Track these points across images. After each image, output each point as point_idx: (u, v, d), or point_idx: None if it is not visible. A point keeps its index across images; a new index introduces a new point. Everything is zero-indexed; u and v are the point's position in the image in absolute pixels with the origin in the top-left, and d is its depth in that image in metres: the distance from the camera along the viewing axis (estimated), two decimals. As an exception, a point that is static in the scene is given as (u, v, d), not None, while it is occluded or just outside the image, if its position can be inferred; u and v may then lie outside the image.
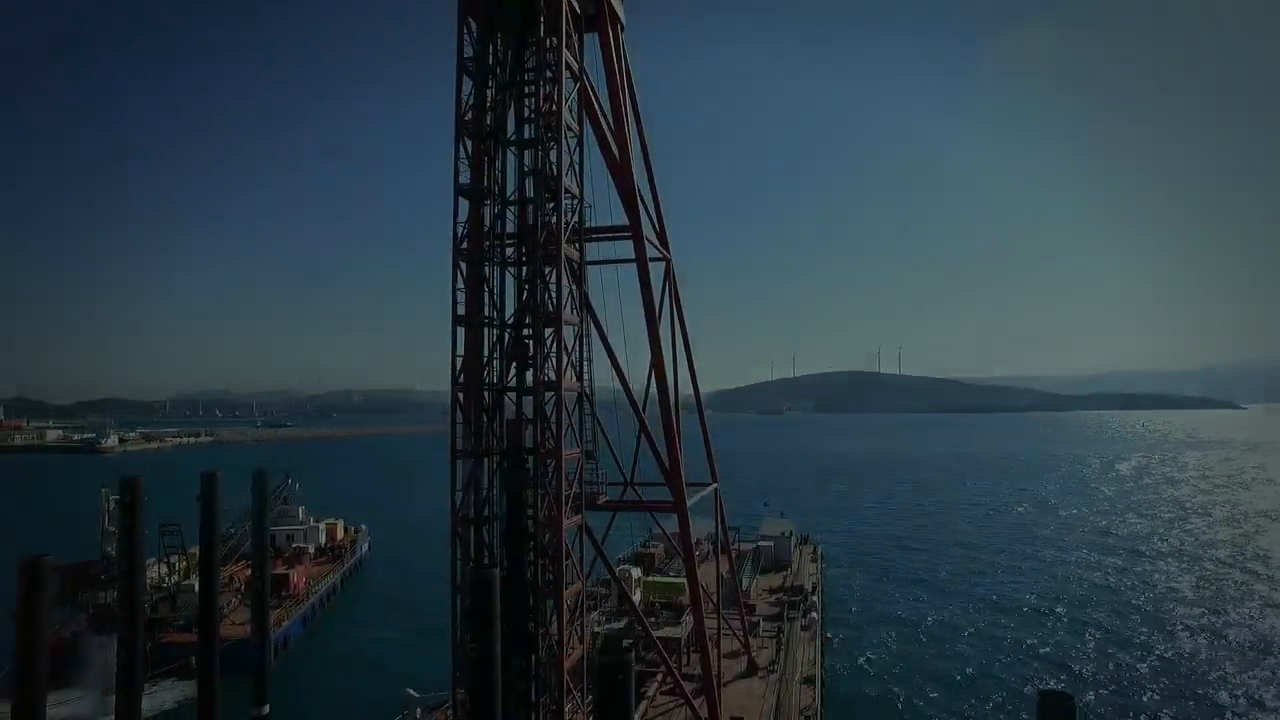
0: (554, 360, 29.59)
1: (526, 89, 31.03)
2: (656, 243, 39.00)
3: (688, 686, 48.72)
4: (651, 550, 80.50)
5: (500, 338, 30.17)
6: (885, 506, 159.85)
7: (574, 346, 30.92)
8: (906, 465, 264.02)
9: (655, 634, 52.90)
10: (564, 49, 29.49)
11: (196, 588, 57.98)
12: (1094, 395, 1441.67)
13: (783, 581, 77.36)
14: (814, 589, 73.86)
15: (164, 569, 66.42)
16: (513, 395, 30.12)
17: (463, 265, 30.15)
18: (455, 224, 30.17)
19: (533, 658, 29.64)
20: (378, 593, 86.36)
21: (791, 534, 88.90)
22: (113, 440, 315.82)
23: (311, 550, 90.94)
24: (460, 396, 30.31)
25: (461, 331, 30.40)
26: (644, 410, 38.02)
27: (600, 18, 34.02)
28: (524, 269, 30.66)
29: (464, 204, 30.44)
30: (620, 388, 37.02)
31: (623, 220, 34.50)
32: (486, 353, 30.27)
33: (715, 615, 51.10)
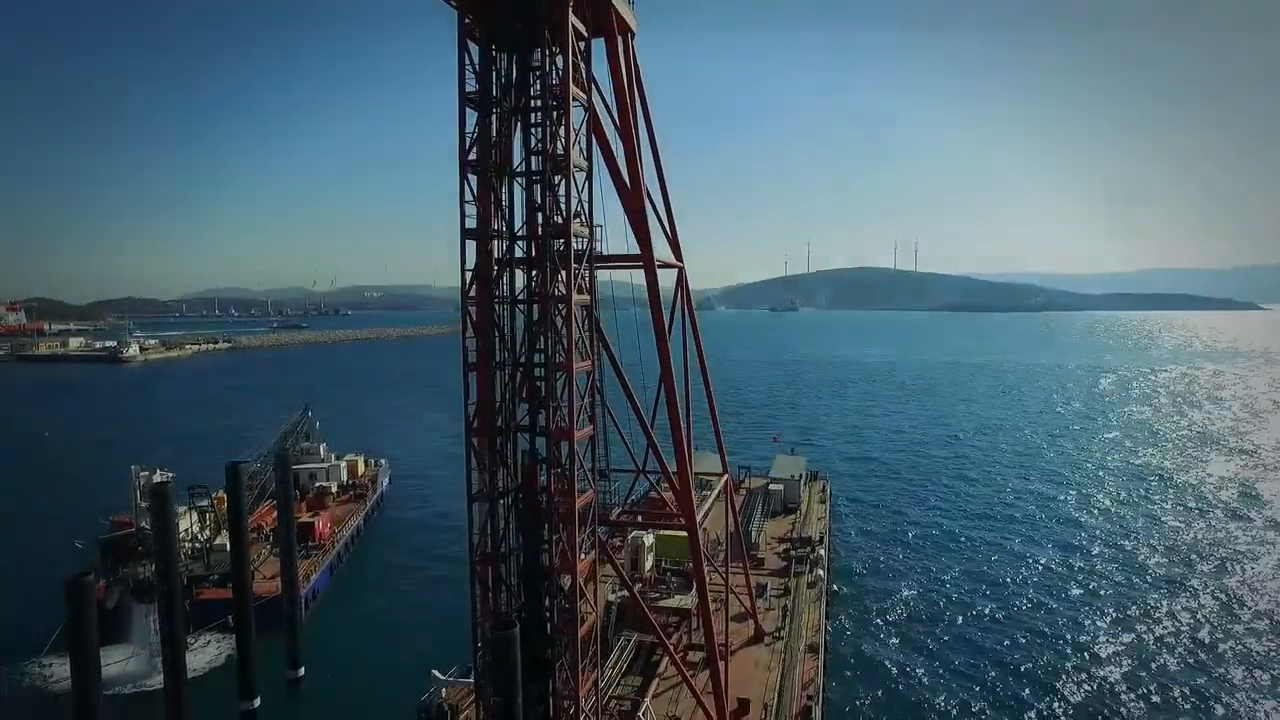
0: (566, 406, 29.70)
1: (533, 117, 29.88)
2: (670, 256, 38.31)
3: (697, 656, 51.49)
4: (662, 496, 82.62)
5: (509, 249, 29.72)
6: (891, 428, 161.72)
7: (586, 389, 30.96)
8: (913, 377, 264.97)
9: (666, 604, 55.58)
10: (569, 81, 28.11)
11: (227, 546, 61.08)
12: (1114, 295, 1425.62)
13: (791, 528, 79.58)
14: (821, 538, 75.95)
15: (194, 519, 68.89)
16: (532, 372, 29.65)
17: (471, 178, 29.25)
18: (463, 135, 29.08)
19: (549, 683, 31.23)
20: (400, 535, 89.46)
21: (801, 477, 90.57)
22: (134, 350, 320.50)
23: (334, 489, 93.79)
24: (472, 313, 29.88)
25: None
26: (652, 423, 38.35)
27: (608, 26, 32.23)
28: (534, 308, 30.38)
29: (471, 114, 29.20)
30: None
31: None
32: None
33: (722, 580, 53.04)
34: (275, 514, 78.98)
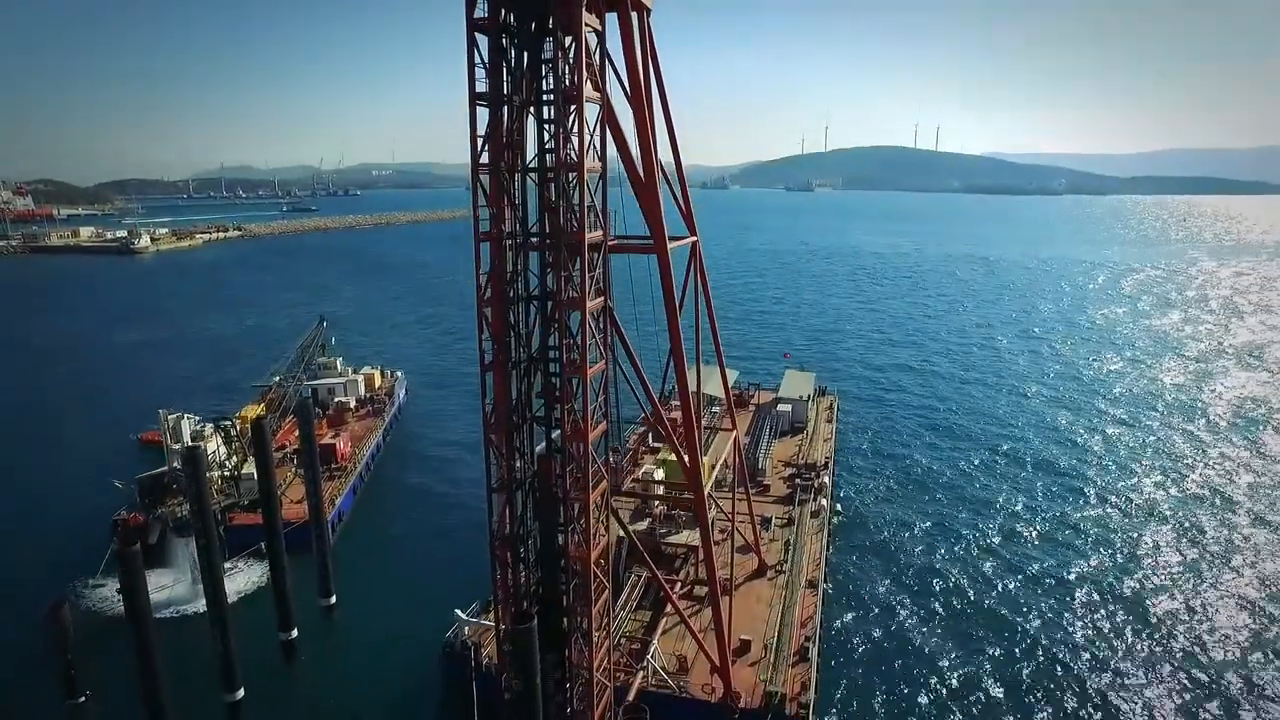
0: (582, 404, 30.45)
1: (546, 112, 29.16)
2: (685, 229, 37.97)
3: (704, 590, 54.48)
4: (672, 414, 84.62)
5: (519, 115, 28.95)
6: (903, 333, 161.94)
7: (600, 387, 31.59)
8: (928, 273, 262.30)
9: (674, 539, 58.29)
10: (582, 83, 27.25)
11: (255, 474, 63.83)
12: (1138, 178, 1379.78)
13: (797, 450, 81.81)
14: (826, 462, 78.20)
15: (219, 441, 71.37)
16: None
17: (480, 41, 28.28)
18: (474, 136, 28.62)
19: (565, 653, 33.61)
20: (418, 450, 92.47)
21: (809, 397, 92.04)
22: (145, 241, 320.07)
23: (353, 404, 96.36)
24: (485, 181, 29.20)
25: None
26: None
27: (623, 4, 30.79)
28: (548, 305, 30.65)
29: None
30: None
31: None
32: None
33: (729, 510, 55.41)
34: (298, 427, 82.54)
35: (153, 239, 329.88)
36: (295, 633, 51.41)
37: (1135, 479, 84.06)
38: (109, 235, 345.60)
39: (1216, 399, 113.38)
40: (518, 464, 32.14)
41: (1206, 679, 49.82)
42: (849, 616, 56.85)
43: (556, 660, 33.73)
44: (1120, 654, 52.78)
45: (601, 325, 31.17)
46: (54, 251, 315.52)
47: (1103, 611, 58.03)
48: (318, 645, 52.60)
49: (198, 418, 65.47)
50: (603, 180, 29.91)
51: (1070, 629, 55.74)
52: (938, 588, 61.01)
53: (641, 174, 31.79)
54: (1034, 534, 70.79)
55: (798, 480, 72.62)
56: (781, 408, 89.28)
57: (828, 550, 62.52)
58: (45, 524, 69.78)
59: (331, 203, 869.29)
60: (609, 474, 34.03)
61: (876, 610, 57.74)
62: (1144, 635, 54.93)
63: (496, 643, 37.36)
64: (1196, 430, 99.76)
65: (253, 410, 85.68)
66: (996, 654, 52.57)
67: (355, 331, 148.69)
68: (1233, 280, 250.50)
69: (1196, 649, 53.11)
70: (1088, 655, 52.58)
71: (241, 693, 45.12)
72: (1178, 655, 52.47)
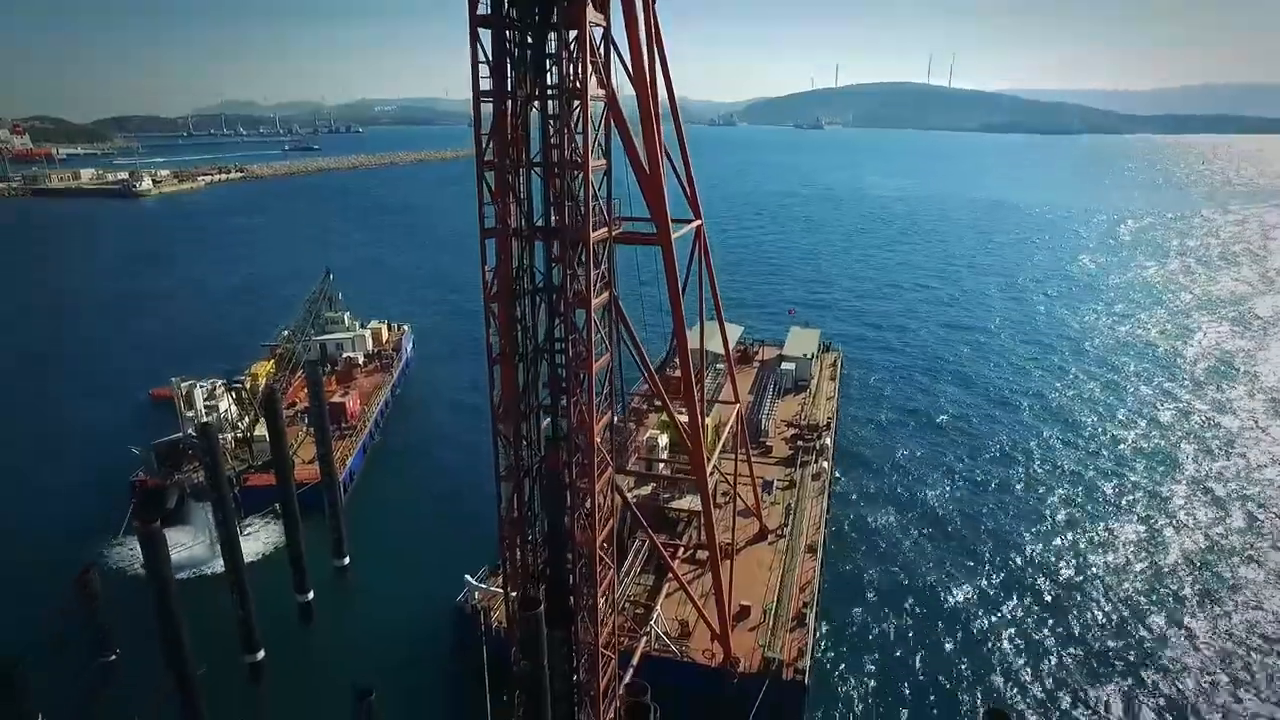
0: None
1: (550, 106, 29.05)
2: (690, 211, 38.00)
3: (705, 555, 56.05)
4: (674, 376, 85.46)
5: (523, 110, 28.68)
6: (911, 284, 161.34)
7: (605, 378, 32.17)
8: (936, 219, 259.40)
9: (677, 505, 59.68)
10: (586, 83, 27.12)
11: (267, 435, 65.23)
12: (1162, 116, 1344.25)
13: (800, 409, 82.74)
14: (829, 423, 79.16)
15: (230, 402, 72.58)
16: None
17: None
18: (479, 135, 28.32)
19: (572, 630, 35.07)
20: (426, 405, 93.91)
21: (813, 355, 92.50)
22: (147, 184, 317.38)
23: (361, 359, 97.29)
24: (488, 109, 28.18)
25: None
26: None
27: (628, -10, 30.29)
28: (554, 298, 31.04)
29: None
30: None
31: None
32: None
33: (731, 472, 56.64)
34: (307, 388, 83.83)
35: (154, 181, 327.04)
36: (311, 595, 53.31)
37: (1158, 440, 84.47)
38: (110, 178, 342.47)
39: (1234, 356, 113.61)
40: (524, 451, 33.01)
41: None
42: (847, 581, 58.58)
43: (563, 637, 35.22)
44: (1132, 625, 53.73)
45: (608, 319, 31.58)
46: (55, 194, 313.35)
47: (1110, 580, 59.03)
48: (333, 606, 54.59)
49: (208, 383, 66.50)
50: (607, 176, 29.93)
51: (1073, 596, 56.98)
52: (938, 552, 62.59)
53: (646, 166, 31.76)
54: (1039, 497, 71.91)
55: (799, 442, 73.73)
56: (785, 366, 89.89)
57: (828, 513, 63.89)
58: (64, 483, 71.62)
59: (333, 140, 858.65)
60: (613, 458, 34.86)
61: (875, 575, 59.43)
62: (1160, 605, 56.03)
63: (505, 608, 39.00)
64: (1221, 391, 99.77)
65: (263, 368, 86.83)
66: (993, 617, 54.33)
67: (360, 281, 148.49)
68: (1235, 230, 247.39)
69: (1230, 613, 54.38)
70: (1087, 623, 53.90)
71: (262, 654, 47.13)
72: (1202, 622, 53.89)
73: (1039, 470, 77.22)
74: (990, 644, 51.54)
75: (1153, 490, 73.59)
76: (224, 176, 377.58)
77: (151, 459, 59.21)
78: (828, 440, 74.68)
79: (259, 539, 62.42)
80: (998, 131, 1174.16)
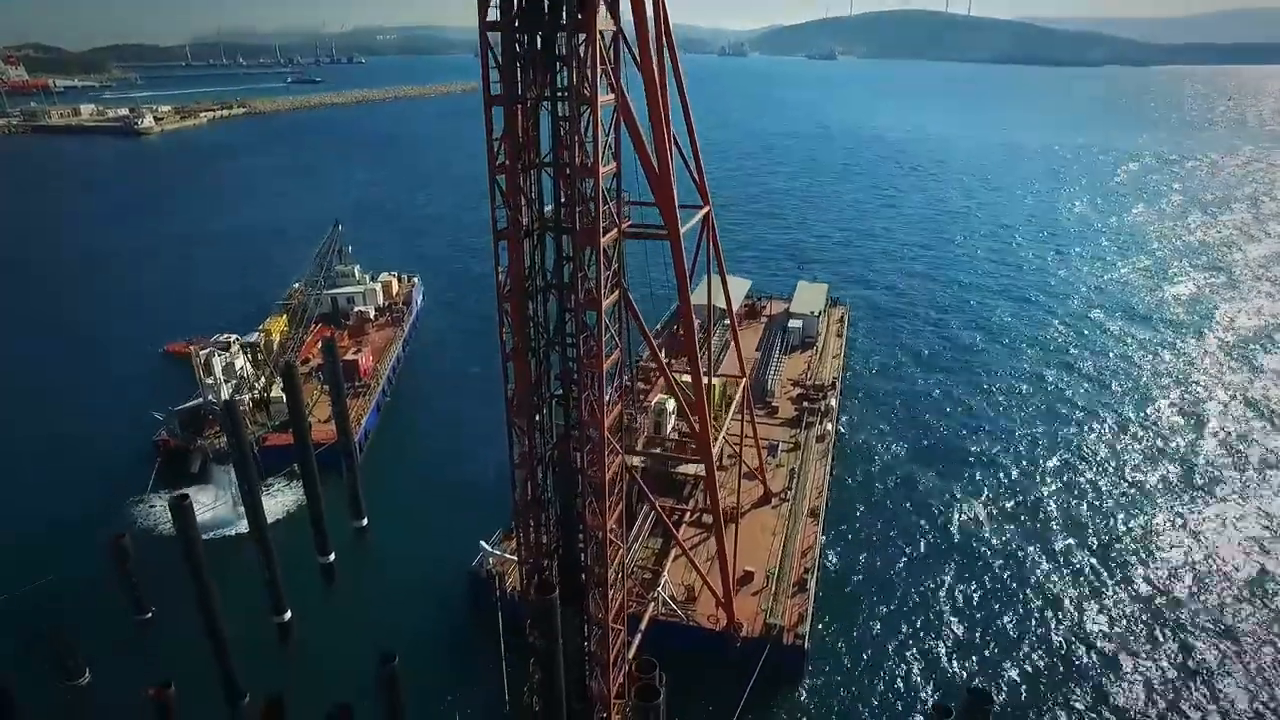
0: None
1: (561, 108, 29.32)
2: (699, 196, 38.31)
3: (710, 520, 57.84)
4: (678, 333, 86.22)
5: (534, 111, 28.61)
6: (918, 232, 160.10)
7: (617, 372, 33.10)
8: (946, 163, 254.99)
9: (684, 469, 61.25)
10: (596, 81, 27.33)
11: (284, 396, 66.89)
12: (1193, 45, 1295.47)
13: (806, 368, 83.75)
14: (834, 382, 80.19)
15: (245, 360, 73.94)
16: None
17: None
18: (490, 140, 28.11)
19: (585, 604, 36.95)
20: (438, 359, 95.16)
21: (819, 313, 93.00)
22: (149, 121, 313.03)
23: (372, 313, 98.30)
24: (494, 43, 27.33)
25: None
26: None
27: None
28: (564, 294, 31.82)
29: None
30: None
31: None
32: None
33: (736, 435, 57.99)
34: (320, 344, 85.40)
35: (156, 119, 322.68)
36: (333, 556, 55.58)
37: (1194, 410, 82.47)
38: (111, 114, 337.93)
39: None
40: (539, 441, 34.26)
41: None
42: (849, 544, 60.32)
43: (575, 611, 37.15)
44: (1141, 605, 54.03)
45: (618, 315, 32.36)
46: (55, 131, 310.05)
47: (1123, 556, 59.06)
48: (353, 567, 56.95)
49: (224, 338, 68.17)
50: (617, 178, 30.29)
51: (1080, 570, 57.62)
52: (937, 518, 64.04)
53: (655, 165, 32.02)
54: (1049, 463, 72.37)
55: (805, 403, 74.98)
56: (792, 324, 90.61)
57: (831, 475, 65.50)
58: (86, 441, 73.45)
59: (335, 71, 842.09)
60: (622, 442, 36.08)
61: (875, 539, 61.11)
62: (1179, 584, 56.07)
63: (519, 576, 40.98)
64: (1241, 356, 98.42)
65: (276, 324, 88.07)
66: (989, 585, 56.04)
67: (367, 227, 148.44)
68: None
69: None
70: (1091, 599, 54.58)
71: (289, 614, 49.55)
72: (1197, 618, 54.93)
73: (1051, 434, 77.80)
74: (987, 613, 53.18)
75: (1186, 462, 72.50)
76: (227, 112, 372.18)
77: (175, 424, 60.95)
78: (833, 401, 75.96)
79: (278, 499, 64.58)
80: (1014, 63, 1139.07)
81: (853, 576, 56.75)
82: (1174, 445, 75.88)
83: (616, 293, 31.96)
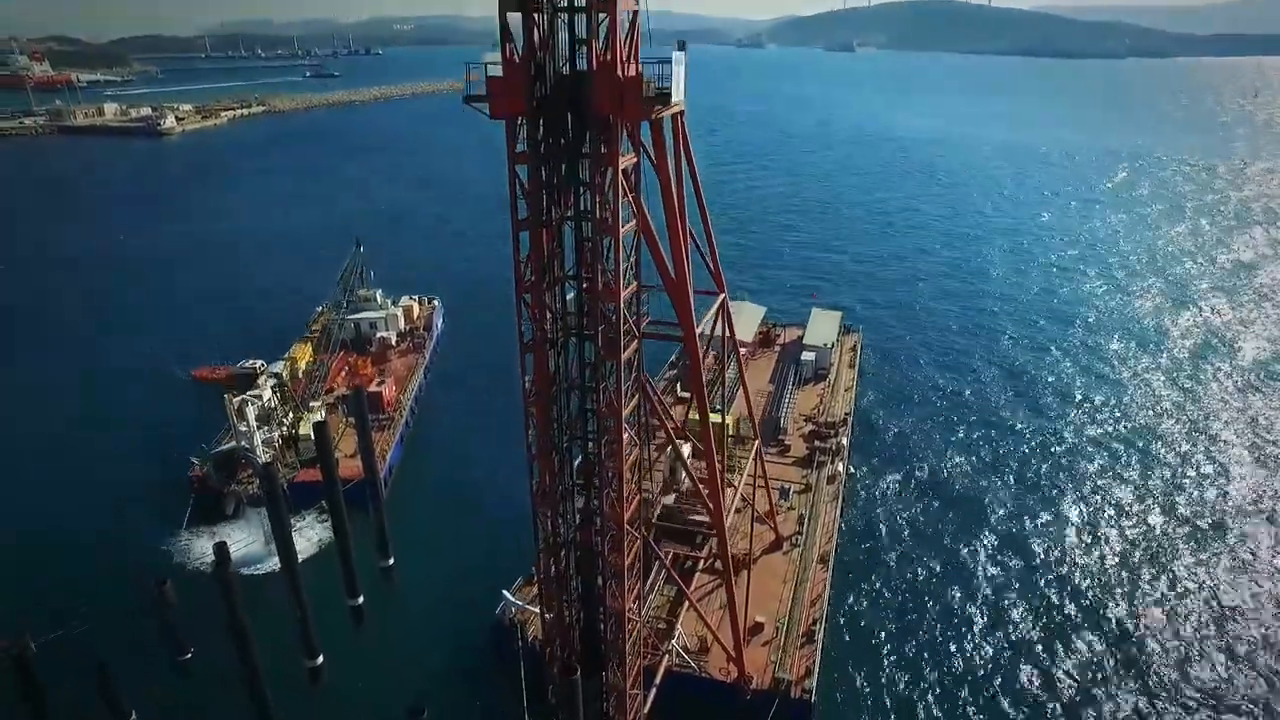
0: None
1: (584, 227, 31.24)
2: (714, 283, 40.14)
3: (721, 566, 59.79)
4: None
5: (559, 231, 30.39)
6: (931, 245, 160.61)
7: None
8: (967, 169, 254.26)
9: (698, 516, 63.15)
10: (618, 221, 29.26)
11: (311, 434, 69.50)
12: (1223, 36, 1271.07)
13: (819, 402, 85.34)
14: (845, 418, 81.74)
15: (272, 390, 76.58)
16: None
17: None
18: (513, 195, 29.42)
19: (603, 674, 39.17)
20: (460, 386, 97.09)
21: (833, 345, 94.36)
22: (170, 122, 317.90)
23: (394, 339, 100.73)
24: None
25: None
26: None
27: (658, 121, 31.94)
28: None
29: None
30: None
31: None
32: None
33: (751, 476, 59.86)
34: (346, 368, 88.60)
35: (178, 119, 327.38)
36: (361, 599, 57.97)
37: (1211, 467, 79.32)
38: (134, 113, 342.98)
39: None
40: (561, 521, 36.31)
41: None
42: (858, 592, 61.93)
43: (596, 687, 39.39)
44: (1164, 661, 54.27)
45: (637, 415, 34.37)
46: (80, 132, 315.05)
47: (1147, 619, 58.66)
48: (381, 608, 59.14)
49: (251, 376, 71.24)
50: (637, 297, 32.16)
51: (1099, 631, 57.20)
52: (945, 563, 65.40)
53: (672, 271, 33.87)
54: (1066, 513, 71.95)
55: (817, 442, 76.59)
56: (805, 356, 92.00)
57: (841, 517, 67.20)
58: (123, 474, 76.11)
59: (353, 64, 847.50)
60: (643, 518, 38.08)
61: (883, 586, 62.74)
62: (1207, 639, 56.28)
63: (540, 625, 43.26)
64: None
65: (302, 351, 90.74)
66: (1000, 639, 57.16)
67: (387, 240, 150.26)
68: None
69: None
70: (1113, 659, 54.48)
71: (321, 659, 52.02)
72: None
73: (1073, 477, 77.92)
74: (1001, 669, 54.03)
75: (1220, 519, 70.71)
76: (246, 111, 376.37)
77: (210, 469, 63.64)
78: (844, 440, 77.55)
79: (308, 535, 67.16)
80: (1035, 55, 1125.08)
81: (861, 625, 58.57)
82: (1209, 499, 74.09)
83: (636, 396, 33.99)
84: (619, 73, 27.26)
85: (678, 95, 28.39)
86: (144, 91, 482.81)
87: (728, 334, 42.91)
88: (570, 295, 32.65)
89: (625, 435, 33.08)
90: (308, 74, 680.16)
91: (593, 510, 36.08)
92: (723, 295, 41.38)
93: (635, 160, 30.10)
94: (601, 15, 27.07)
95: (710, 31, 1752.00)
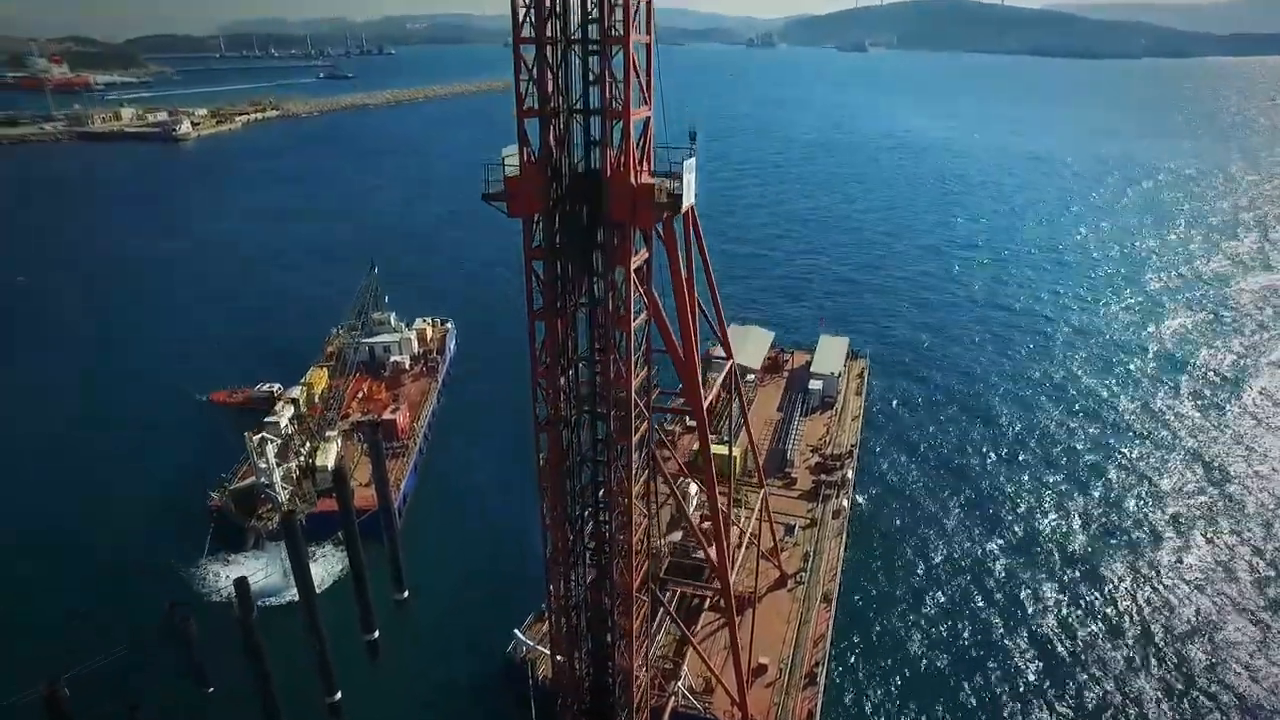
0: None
1: (597, 313, 32.77)
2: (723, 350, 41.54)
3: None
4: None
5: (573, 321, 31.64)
6: (938, 264, 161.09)
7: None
8: (975, 179, 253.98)
9: (702, 555, 64.51)
10: (630, 317, 30.77)
11: (329, 465, 71.55)
12: (1240, 35, 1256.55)
13: (825, 432, 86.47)
14: (851, 450, 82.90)
15: (288, 418, 78.57)
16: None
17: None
18: (527, 238, 30.51)
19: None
20: (473, 410, 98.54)
21: (840, 374, 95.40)
22: (186, 127, 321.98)
23: (407, 362, 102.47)
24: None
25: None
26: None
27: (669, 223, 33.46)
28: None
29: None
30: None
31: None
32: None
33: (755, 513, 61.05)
34: (361, 393, 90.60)
35: (193, 124, 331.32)
36: (377, 634, 59.75)
37: (1230, 506, 78.78)
38: (150, 118, 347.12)
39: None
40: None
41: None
42: (862, 631, 63.02)
43: (602, 731, 41.02)
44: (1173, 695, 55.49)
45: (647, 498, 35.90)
46: (98, 138, 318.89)
47: (1151, 660, 59.18)
48: (396, 643, 60.93)
49: (268, 388, 72.65)
50: (647, 383, 33.68)
51: (1109, 675, 57.69)
52: (953, 600, 66.33)
53: (682, 355, 35.37)
54: (1075, 551, 72.24)
55: (823, 475, 77.81)
56: (813, 385, 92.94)
57: (845, 552, 68.40)
58: (143, 501, 78.15)
59: (366, 64, 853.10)
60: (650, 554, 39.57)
61: (887, 625, 63.88)
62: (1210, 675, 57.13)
63: (550, 665, 44.99)
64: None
65: (319, 376, 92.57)
66: (1004, 682, 58.34)
67: (400, 256, 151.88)
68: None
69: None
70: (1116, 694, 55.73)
71: (339, 695, 53.86)
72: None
73: (1082, 509, 78.60)
74: (1006, 708, 55.22)
75: (1239, 555, 71.06)
76: (260, 115, 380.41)
77: (230, 504, 65.61)
78: (850, 473, 78.73)
79: (324, 565, 69.10)
80: (1050, 55, 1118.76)
81: (864, 666, 59.85)
82: (1229, 540, 73.53)
83: (646, 472, 35.54)
84: (632, 180, 28.83)
85: (689, 200, 29.82)
86: (160, 94, 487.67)
87: (737, 398, 44.32)
88: (583, 368, 34.31)
89: (636, 513, 34.64)
90: (321, 75, 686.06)
91: (603, 574, 37.73)
92: (732, 361, 42.92)
93: (647, 256, 31.56)
94: (616, 121, 28.64)
95: (722, 31, 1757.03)
